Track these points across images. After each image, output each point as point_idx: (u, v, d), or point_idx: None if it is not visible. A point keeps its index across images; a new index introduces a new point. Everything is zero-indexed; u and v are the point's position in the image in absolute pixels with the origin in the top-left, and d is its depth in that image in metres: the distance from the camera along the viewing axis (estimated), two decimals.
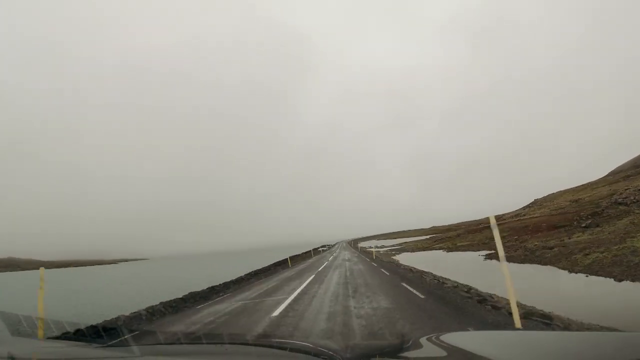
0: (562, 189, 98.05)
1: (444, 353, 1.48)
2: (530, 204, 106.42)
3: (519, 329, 4.16)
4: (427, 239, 68.22)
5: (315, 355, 1.57)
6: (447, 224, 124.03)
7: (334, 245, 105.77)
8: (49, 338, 3.21)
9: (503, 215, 76.15)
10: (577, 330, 4.76)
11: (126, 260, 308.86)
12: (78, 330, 2.61)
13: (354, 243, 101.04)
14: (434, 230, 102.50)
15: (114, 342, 2.03)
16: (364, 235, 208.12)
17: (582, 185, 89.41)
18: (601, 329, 5.10)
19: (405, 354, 1.54)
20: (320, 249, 68.71)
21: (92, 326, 2.54)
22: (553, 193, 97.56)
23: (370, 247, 59.45)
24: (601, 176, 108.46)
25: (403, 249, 49.77)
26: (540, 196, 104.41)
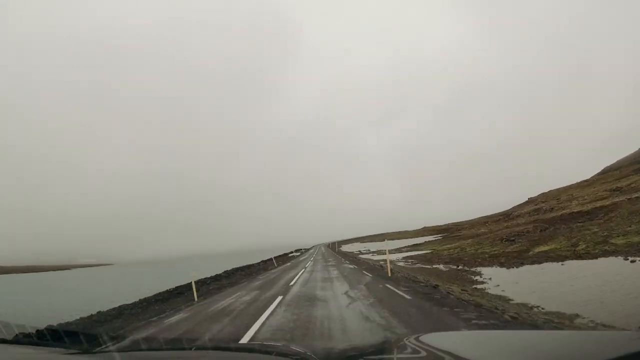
0: (554, 187, 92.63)
1: (424, 354, 1.46)
2: (525, 202, 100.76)
3: (502, 329, 4.39)
4: (440, 238, 53.66)
5: (298, 357, 1.60)
6: (438, 224, 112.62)
7: (309, 249, 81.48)
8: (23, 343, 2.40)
9: (511, 212, 66.94)
10: (563, 329, 4.47)
11: (85, 266, 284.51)
12: (57, 335, 2.33)
13: (337, 247, 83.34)
14: (426, 230, 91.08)
15: (95, 348, 1.99)
16: (344, 238, 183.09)
17: (585, 181, 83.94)
18: (587, 327, 4.91)
19: (387, 355, 1.57)
20: (292, 253, 54.22)
21: (72, 331, 2.43)
22: (550, 190, 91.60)
23: (360, 252, 44.64)
24: (594, 173, 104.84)
25: (438, 257, 25.92)
26: (533, 194, 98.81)
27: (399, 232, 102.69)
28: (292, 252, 66.65)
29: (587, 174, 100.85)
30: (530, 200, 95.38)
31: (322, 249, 72.17)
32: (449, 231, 70.50)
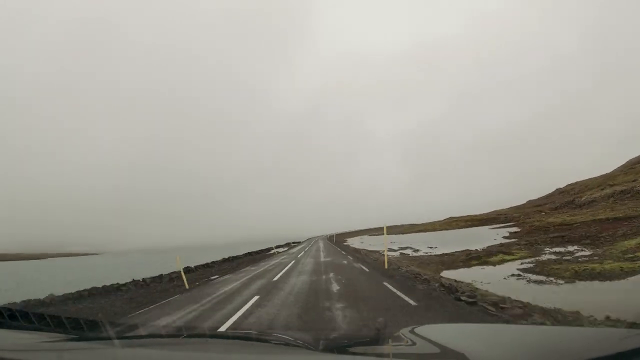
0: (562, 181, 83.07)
1: (418, 345, 1.47)
2: (553, 192, 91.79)
3: (496, 323, 4.34)
4: (517, 230, 32.45)
5: (293, 346, 1.62)
6: (466, 214, 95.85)
7: (300, 244, 56.80)
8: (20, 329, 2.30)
9: (573, 199, 55.44)
10: (557, 325, 4.58)
11: (65, 255, 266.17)
12: (59, 321, 2.34)
13: (344, 243, 50.53)
14: (455, 221, 77.66)
15: (95, 334, 1.99)
16: (350, 230, 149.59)
17: (631, 168, 74.49)
18: (586, 323, 4.84)
19: (381, 345, 1.54)
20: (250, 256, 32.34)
21: (73, 318, 2.47)
22: (583, 180, 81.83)
23: (403, 252, 24.96)
24: (618, 165, 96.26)
25: None
26: (561, 185, 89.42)
27: (415, 225, 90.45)
28: (278, 247, 46.54)
29: (604, 169, 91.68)
30: (558, 190, 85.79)
31: (320, 244, 47.71)
32: (496, 220, 57.34)
